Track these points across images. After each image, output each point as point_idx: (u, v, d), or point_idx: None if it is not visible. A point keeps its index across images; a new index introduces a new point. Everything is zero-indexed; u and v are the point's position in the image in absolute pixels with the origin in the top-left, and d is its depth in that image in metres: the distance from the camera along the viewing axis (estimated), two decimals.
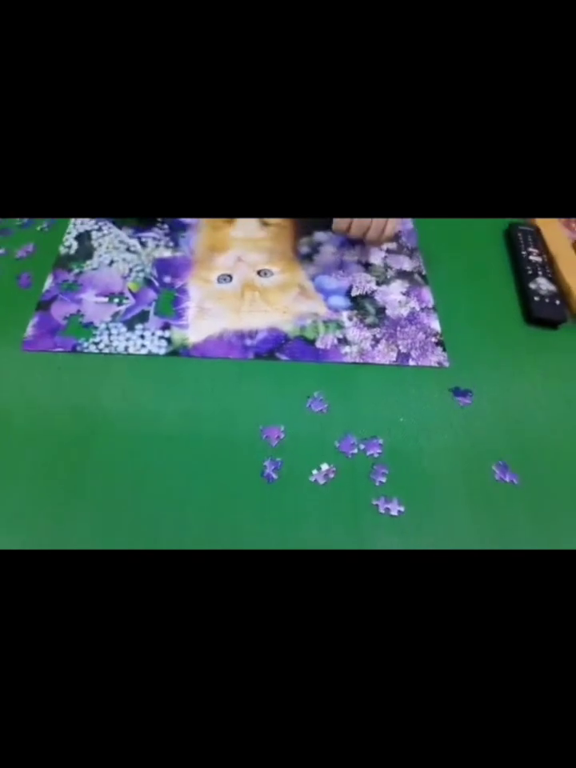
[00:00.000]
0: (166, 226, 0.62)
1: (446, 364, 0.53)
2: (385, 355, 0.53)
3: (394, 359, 0.52)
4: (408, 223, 0.66)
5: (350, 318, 0.55)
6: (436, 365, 0.52)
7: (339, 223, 0.54)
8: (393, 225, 0.55)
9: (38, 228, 0.60)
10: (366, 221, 0.54)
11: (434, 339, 0.54)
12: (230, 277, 0.57)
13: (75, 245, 0.58)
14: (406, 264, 0.62)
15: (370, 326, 0.55)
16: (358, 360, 0.52)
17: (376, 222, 0.54)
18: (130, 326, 0.52)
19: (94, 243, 0.59)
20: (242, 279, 0.57)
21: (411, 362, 0.52)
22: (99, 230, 0.60)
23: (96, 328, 0.51)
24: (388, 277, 0.60)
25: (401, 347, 0.53)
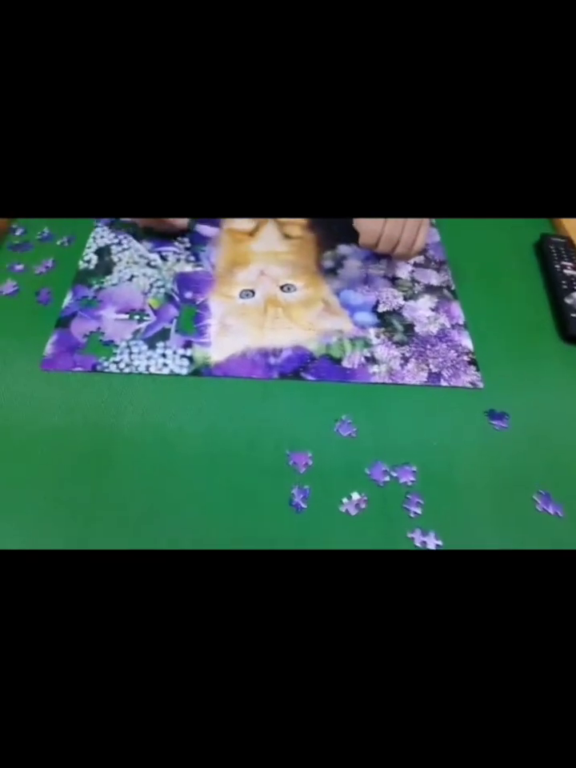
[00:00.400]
0: (186, 240, 0.60)
1: (480, 384, 0.50)
2: (415, 375, 0.50)
3: (425, 379, 0.50)
4: (435, 236, 0.64)
5: (378, 336, 0.53)
6: (469, 385, 0.50)
7: (366, 238, 0.53)
8: (422, 238, 0.53)
9: (58, 242, 0.59)
10: (394, 235, 0.52)
11: (466, 358, 0.52)
12: (253, 292, 0.56)
13: (95, 259, 0.57)
14: (434, 278, 0.60)
15: (399, 344, 0.53)
16: (386, 380, 0.50)
17: (405, 237, 0.52)
18: (151, 344, 0.50)
19: (114, 258, 0.58)
20: (264, 294, 0.56)
21: (443, 383, 0.50)
22: (119, 243, 0.59)
23: (116, 346, 0.50)
24: (416, 292, 0.58)
25: (432, 366, 0.51)
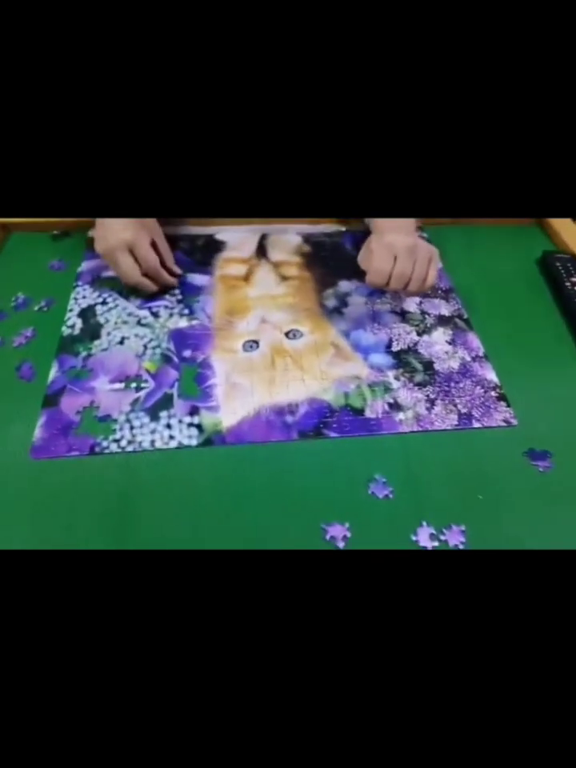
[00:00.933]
0: (177, 293, 0.56)
1: (514, 422, 0.47)
2: (444, 418, 0.47)
3: (456, 422, 0.46)
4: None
5: (397, 378, 0.49)
6: (503, 424, 0.46)
7: (374, 277, 0.49)
8: (433, 273, 0.50)
9: (36, 307, 0.53)
10: (405, 272, 0.48)
11: (494, 393, 0.49)
12: (257, 342, 0.52)
13: (79, 323, 0.52)
14: (444, 308, 0.57)
15: (421, 385, 0.49)
16: (415, 428, 0.46)
17: (416, 273, 0.49)
18: (154, 414, 0.45)
19: (100, 319, 0.53)
20: (269, 344, 0.51)
21: (475, 423, 0.46)
22: (104, 303, 0.54)
23: (115, 421, 0.45)
24: (428, 324, 0.55)
25: (460, 407, 0.47)
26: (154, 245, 0.53)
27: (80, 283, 0.56)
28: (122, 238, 0.49)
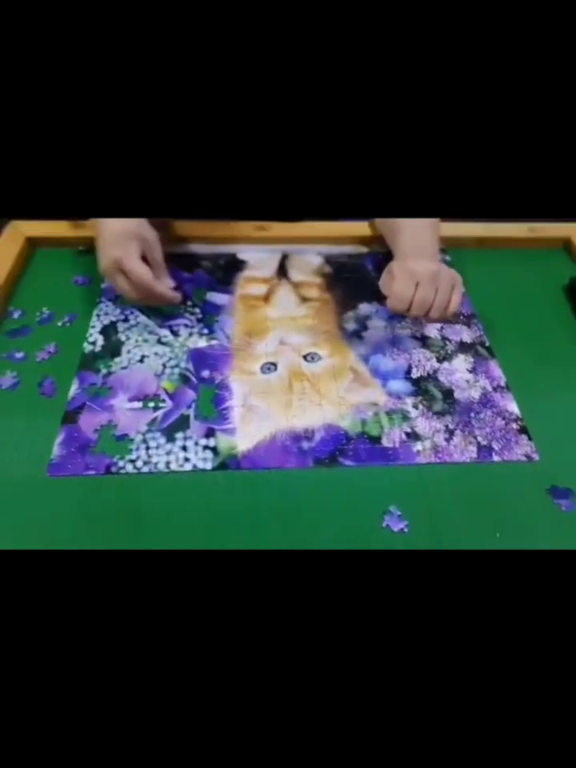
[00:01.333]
0: (197, 311, 0.56)
1: (535, 456, 0.45)
2: (463, 450, 0.46)
3: (475, 455, 0.45)
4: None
5: (416, 406, 0.49)
6: (524, 458, 0.45)
7: (396, 303, 0.49)
8: (456, 300, 0.49)
9: (59, 323, 0.54)
10: (427, 299, 0.48)
11: (515, 426, 0.48)
12: (275, 365, 0.51)
13: (100, 340, 0.53)
14: (465, 334, 0.56)
15: (440, 415, 0.48)
16: (433, 459, 0.45)
17: (438, 300, 0.48)
18: (170, 435, 0.45)
19: (121, 336, 0.53)
20: (287, 366, 0.51)
21: (495, 457, 0.45)
22: (125, 320, 0.55)
23: (131, 441, 0.45)
24: (449, 351, 0.54)
25: (480, 439, 0.46)
26: (145, 257, 0.51)
27: (103, 299, 0.57)
28: (111, 256, 0.49)
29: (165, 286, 0.52)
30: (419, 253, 0.52)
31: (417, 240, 0.54)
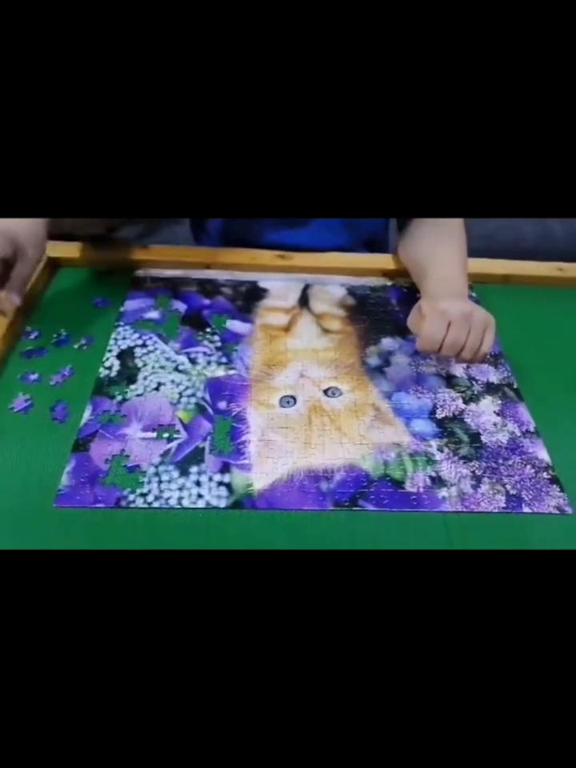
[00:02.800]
0: (216, 339, 0.55)
1: (568, 510, 0.43)
2: (490, 499, 0.43)
3: (503, 505, 0.43)
4: None
5: (441, 449, 0.46)
6: (555, 511, 0.43)
7: (426, 344, 0.47)
8: (489, 341, 0.47)
9: (76, 345, 0.53)
10: (459, 340, 0.46)
11: (546, 475, 0.45)
12: (294, 398, 0.50)
13: (117, 365, 0.52)
14: (493, 375, 0.54)
15: (466, 460, 0.46)
16: (459, 508, 0.42)
17: (470, 341, 0.46)
18: (184, 469, 0.44)
19: (138, 362, 0.52)
20: (307, 400, 0.50)
21: (525, 508, 0.43)
22: (143, 345, 0.54)
23: (143, 473, 0.43)
24: (475, 392, 0.52)
25: (508, 487, 0.44)
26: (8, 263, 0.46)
27: (121, 323, 0.56)
28: None
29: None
30: (449, 291, 0.51)
31: (447, 277, 0.53)
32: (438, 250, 0.57)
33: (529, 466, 0.46)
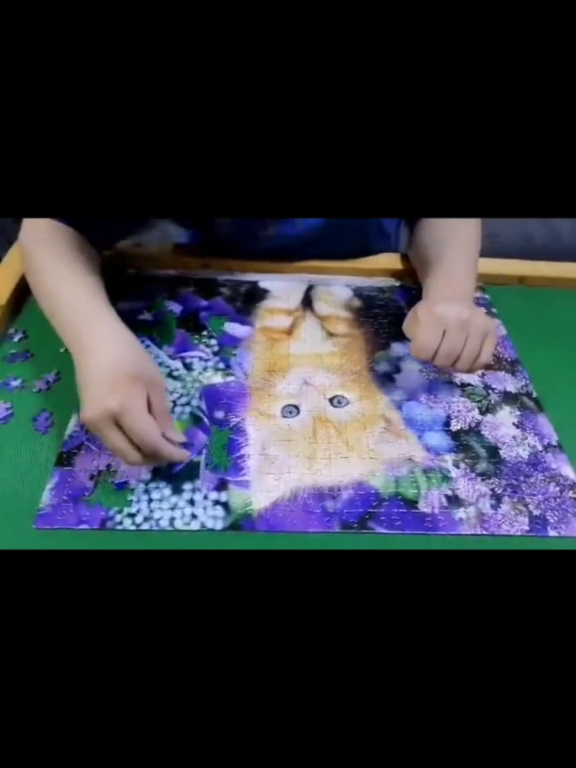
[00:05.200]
0: (213, 342, 0.51)
1: None
2: (512, 521, 0.39)
3: (527, 527, 0.39)
4: (500, 328, 0.56)
5: (457, 464, 0.43)
6: None
7: (419, 352, 0.43)
8: (488, 351, 0.43)
9: (63, 349, 0.49)
10: (454, 349, 0.42)
11: (572, 494, 0.41)
12: (297, 408, 0.46)
13: None
14: (510, 383, 0.50)
15: (484, 476, 0.42)
16: (478, 530, 0.39)
17: (467, 351, 0.42)
18: (176, 486, 0.40)
19: None
20: (311, 411, 0.46)
21: (551, 531, 0.39)
22: None
23: (132, 491, 0.39)
24: (492, 402, 0.48)
25: (531, 507, 0.40)
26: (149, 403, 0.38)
27: None
28: (107, 405, 0.35)
29: (173, 444, 0.38)
30: (450, 294, 0.47)
31: (449, 278, 0.49)
32: (445, 248, 0.53)
33: (553, 484, 0.42)
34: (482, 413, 0.47)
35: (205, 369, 0.49)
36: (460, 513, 0.40)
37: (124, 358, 0.39)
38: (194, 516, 0.38)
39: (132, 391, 0.36)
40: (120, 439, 0.36)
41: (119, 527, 0.37)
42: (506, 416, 0.47)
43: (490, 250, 0.62)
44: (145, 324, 0.53)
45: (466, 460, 0.43)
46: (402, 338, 0.53)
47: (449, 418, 0.46)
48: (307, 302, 0.57)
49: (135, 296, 0.56)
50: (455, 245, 0.53)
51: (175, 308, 0.55)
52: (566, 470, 0.43)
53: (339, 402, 0.47)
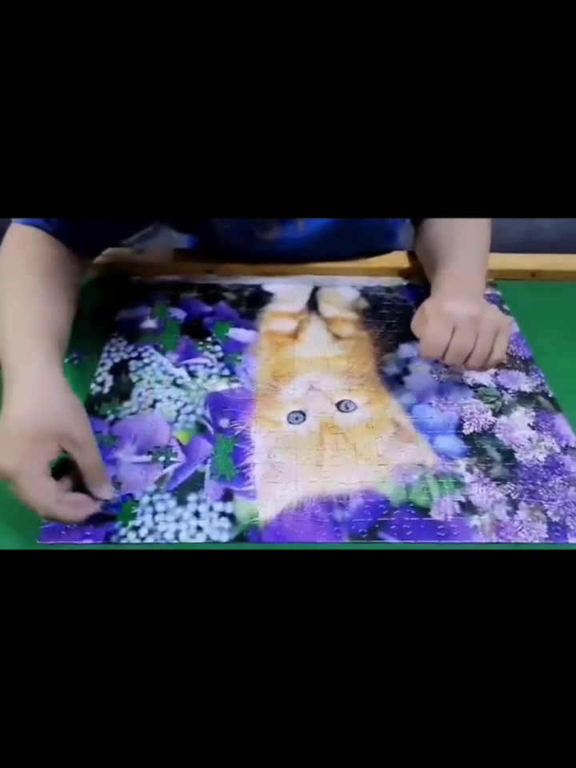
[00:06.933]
0: (218, 349, 0.51)
1: None
2: (530, 528, 0.38)
3: (545, 535, 0.37)
4: (513, 325, 0.54)
5: (470, 469, 0.41)
6: None
7: (428, 350, 0.41)
8: (501, 348, 0.41)
9: (67, 360, 0.49)
10: (465, 346, 0.40)
11: None
12: (303, 414, 0.45)
13: (110, 380, 0.47)
14: (524, 383, 0.48)
15: (499, 482, 0.41)
16: (494, 539, 0.37)
17: (479, 348, 0.41)
18: (181, 498, 0.39)
19: (133, 377, 0.48)
20: (318, 416, 0.45)
21: (571, 538, 0.37)
22: (139, 358, 0.49)
23: (136, 503, 0.39)
24: (506, 402, 0.47)
25: (550, 513, 0.39)
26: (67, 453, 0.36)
27: (116, 334, 0.52)
28: (4, 468, 0.34)
29: (81, 508, 0.36)
30: (458, 290, 0.45)
31: (457, 274, 0.47)
32: (453, 243, 0.51)
33: (572, 488, 0.40)
34: (496, 414, 0.45)
35: (209, 376, 0.48)
36: (474, 520, 0.38)
37: (35, 411, 0.36)
38: (199, 528, 0.37)
39: (33, 452, 0.34)
40: (23, 494, 0.34)
41: (123, 542, 0.37)
42: (521, 417, 0.45)
43: (499, 243, 0.60)
44: (148, 332, 0.52)
45: (480, 464, 0.41)
46: (410, 338, 0.52)
47: (461, 420, 0.45)
48: (312, 305, 0.56)
49: (138, 303, 0.55)
50: (463, 240, 0.52)
51: (179, 314, 0.54)
52: None
53: (347, 407, 0.46)
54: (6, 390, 0.37)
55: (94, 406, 0.45)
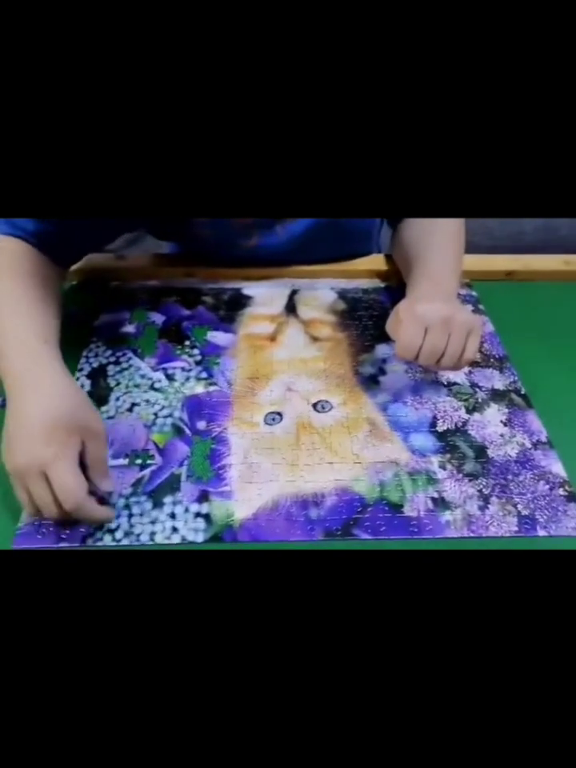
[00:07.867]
0: (196, 352, 0.51)
1: None
2: (500, 522, 0.38)
3: (515, 528, 0.38)
4: (487, 325, 0.55)
5: (443, 466, 0.42)
6: (574, 533, 0.38)
7: (402, 351, 0.42)
8: (473, 347, 0.42)
9: None
10: (438, 346, 0.42)
11: (562, 492, 0.40)
12: (280, 415, 0.45)
13: (88, 385, 0.48)
14: (497, 380, 0.49)
15: (471, 477, 0.41)
16: (466, 533, 0.38)
17: (451, 348, 0.42)
18: (157, 500, 0.39)
19: (111, 381, 0.48)
20: (294, 417, 0.45)
21: (541, 531, 0.38)
22: (116, 363, 0.50)
23: (113, 506, 0.39)
24: (479, 400, 0.47)
25: (520, 507, 0.40)
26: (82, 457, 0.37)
27: (95, 339, 0.52)
28: (36, 455, 0.35)
29: (100, 507, 0.37)
30: (432, 292, 0.46)
31: (431, 276, 0.48)
32: (427, 246, 0.52)
33: (542, 482, 0.41)
34: (469, 412, 0.46)
35: (187, 379, 0.48)
36: (446, 515, 0.39)
37: (62, 405, 0.37)
38: (174, 529, 0.38)
39: (67, 443, 0.36)
40: (44, 492, 0.35)
41: (99, 544, 0.37)
42: (494, 414, 0.46)
43: (484, 244, 0.61)
44: (127, 336, 0.52)
45: (453, 461, 0.42)
46: (387, 339, 0.52)
47: (435, 418, 0.45)
48: (291, 307, 0.56)
49: (117, 308, 0.55)
50: (437, 242, 0.53)
51: (157, 319, 0.55)
52: (556, 468, 0.42)
53: (323, 407, 0.46)
54: (16, 396, 0.38)
55: None
